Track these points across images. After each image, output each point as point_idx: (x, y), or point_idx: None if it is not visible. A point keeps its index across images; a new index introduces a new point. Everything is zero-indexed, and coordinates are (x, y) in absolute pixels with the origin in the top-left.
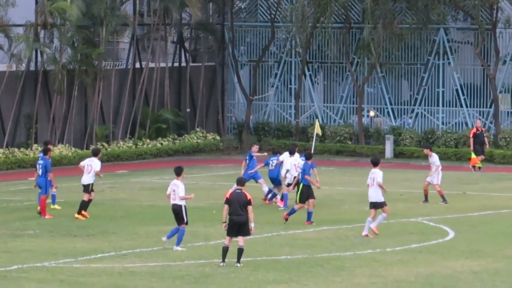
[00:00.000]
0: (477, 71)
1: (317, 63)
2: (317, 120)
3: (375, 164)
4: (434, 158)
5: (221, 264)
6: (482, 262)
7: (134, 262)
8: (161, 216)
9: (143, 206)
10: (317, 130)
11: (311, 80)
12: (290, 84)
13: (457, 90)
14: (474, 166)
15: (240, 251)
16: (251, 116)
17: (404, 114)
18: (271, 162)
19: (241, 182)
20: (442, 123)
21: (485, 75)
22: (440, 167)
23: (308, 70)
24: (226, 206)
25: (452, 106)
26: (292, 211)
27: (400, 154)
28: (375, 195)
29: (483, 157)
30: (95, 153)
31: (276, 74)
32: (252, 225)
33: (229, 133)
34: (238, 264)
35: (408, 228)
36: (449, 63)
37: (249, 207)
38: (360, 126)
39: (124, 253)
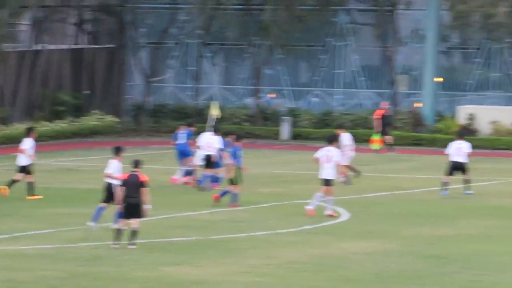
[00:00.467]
0: (376, 53)
1: (217, 44)
2: (215, 101)
3: (331, 142)
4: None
5: (115, 246)
6: (375, 243)
7: (28, 245)
8: (57, 198)
9: (38, 188)
10: (214, 111)
11: (211, 61)
12: (189, 66)
13: (356, 71)
14: (373, 146)
15: (134, 233)
16: (150, 98)
17: (303, 97)
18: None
19: (136, 164)
20: (340, 105)
21: (384, 56)
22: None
23: (208, 52)
24: (122, 188)
25: (351, 88)
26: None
27: (297, 135)
28: (330, 172)
29: (391, 137)
30: (27, 133)
31: (175, 56)
32: (147, 207)
33: (127, 115)
34: (132, 246)
35: (302, 210)
36: (347, 44)
37: (144, 189)
38: (258, 108)
39: (17, 236)
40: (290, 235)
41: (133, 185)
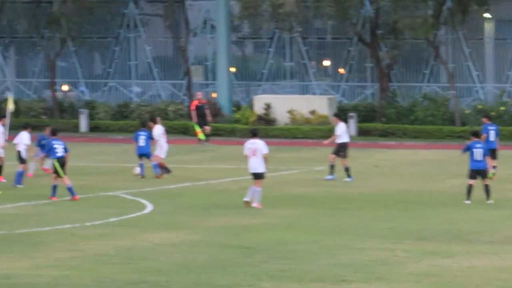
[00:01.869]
0: (169, 44)
1: (8, 38)
2: (10, 95)
3: (255, 135)
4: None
5: None
6: (181, 234)
7: None
8: None
9: None
10: (10, 105)
11: (3, 55)
12: None
13: (149, 63)
14: (199, 139)
15: None
16: None
17: (99, 88)
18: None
19: None
20: (137, 96)
21: (177, 47)
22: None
23: None
24: None
25: (146, 79)
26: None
27: (95, 128)
28: (258, 165)
29: (209, 128)
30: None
31: None
32: None
33: None
34: None
35: (106, 202)
36: (140, 36)
37: None
38: (54, 101)
39: None
40: (95, 227)
41: None
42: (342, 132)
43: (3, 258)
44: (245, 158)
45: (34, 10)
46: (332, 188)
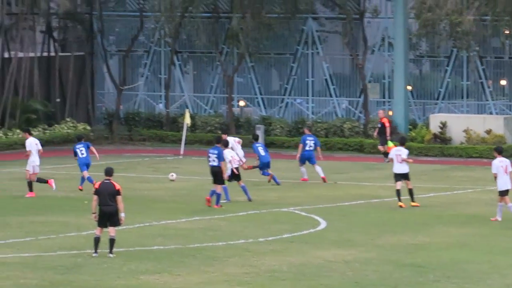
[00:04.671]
0: (346, 61)
1: (187, 52)
2: (187, 110)
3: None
4: None
5: (94, 254)
6: (354, 252)
7: (6, 253)
8: (33, 206)
9: (14, 196)
10: (187, 119)
11: (181, 69)
12: (160, 74)
13: (326, 79)
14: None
15: (112, 241)
16: (121, 106)
17: (276, 104)
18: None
19: (109, 172)
20: (312, 113)
21: (354, 64)
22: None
23: (178, 60)
24: (95, 197)
25: (322, 96)
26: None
27: (271, 143)
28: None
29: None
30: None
31: (145, 64)
32: (122, 215)
33: (100, 123)
34: (111, 255)
35: (280, 218)
36: (318, 52)
37: (118, 197)
38: (230, 116)
39: None
40: (268, 243)
41: (107, 194)
42: None
43: (177, 272)
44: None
45: (213, 25)
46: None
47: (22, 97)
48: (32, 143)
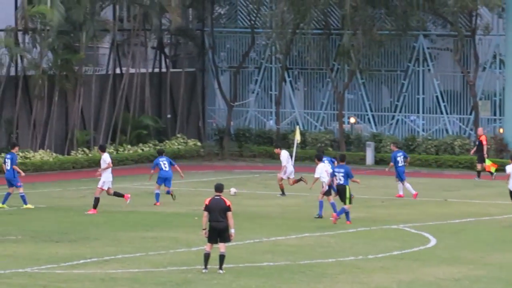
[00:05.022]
0: (457, 78)
1: (297, 69)
2: (297, 126)
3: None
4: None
5: (204, 270)
6: (464, 269)
7: (116, 268)
8: (143, 222)
9: (124, 212)
10: (297, 136)
11: (292, 86)
12: (271, 90)
13: (437, 96)
14: (490, 172)
15: (222, 258)
16: (231, 122)
17: (386, 121)
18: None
19: (219, 188)
20: (423, 130)
21: (465, 81)
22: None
23: (289, 76)
24: (206, 213)
25: (433, 113)
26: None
27: (380, 160)
28: None
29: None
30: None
31: (256, 80)
32: (232, 231)
33: (210, 139)
34: (221, 271)
35: (390, 235)
36: (429, 69)
37: (229, 213)
38: (341, 133)
39: (106, 259)
40: (378, 260)
41: (218, 210)
42: None
43: None
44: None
45: (324, 42)
46: None
47: (133, 113)
48: (107, 159)
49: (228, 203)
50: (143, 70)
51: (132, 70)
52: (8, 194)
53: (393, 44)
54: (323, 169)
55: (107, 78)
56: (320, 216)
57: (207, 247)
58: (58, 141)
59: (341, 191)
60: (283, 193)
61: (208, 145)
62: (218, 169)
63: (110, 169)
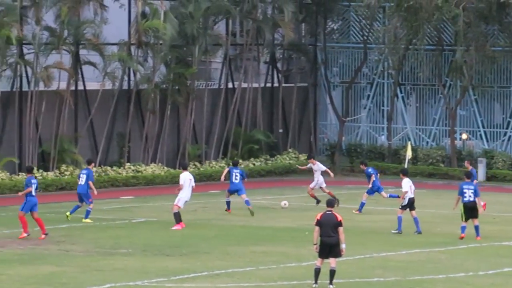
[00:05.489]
0: None
1: (409, 85)
2: (409, 142)
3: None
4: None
5: (314, 285)
6: None
7: (227, 282)
8: (253, 236)
9: (235, 226)
10: (409, 152)
11: (404, 102)
12: (382, 105)
13: None
14: None
15: (332, 273)
16: (343, 137)
17: (499, 138)
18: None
19: (331, 204)
20: None
21: None
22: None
23: (401, 92)
24: (317, 228)
25: None
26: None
27: (492, 177)
28: None
29: None
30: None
31: (368, 95)
32: (343, 246)
33: (321, 154)
34: (331, 286)
35: (501, 252)
36: None
37: (340, 229)
38: (452, 149)
39: (216, 273)
40: (488, 277)
41: (329, 225)
42: None
43: None
44: None
45: (437, 57)
46: None
47: (245, 128)
48: (186, 178)
49: (339, 218)
50: (255, 85)
51: (244, 85)
52: (77, 207)
53: (506, 61)
54: (407, 184)
55: (219, 93)
56: (399, 231)
57: (317, 262)
58: (169, 155)
59: (473, 208)
60: (317, 201)
61: (320, 160)
62: (329, 184)
63: (189, 188)
